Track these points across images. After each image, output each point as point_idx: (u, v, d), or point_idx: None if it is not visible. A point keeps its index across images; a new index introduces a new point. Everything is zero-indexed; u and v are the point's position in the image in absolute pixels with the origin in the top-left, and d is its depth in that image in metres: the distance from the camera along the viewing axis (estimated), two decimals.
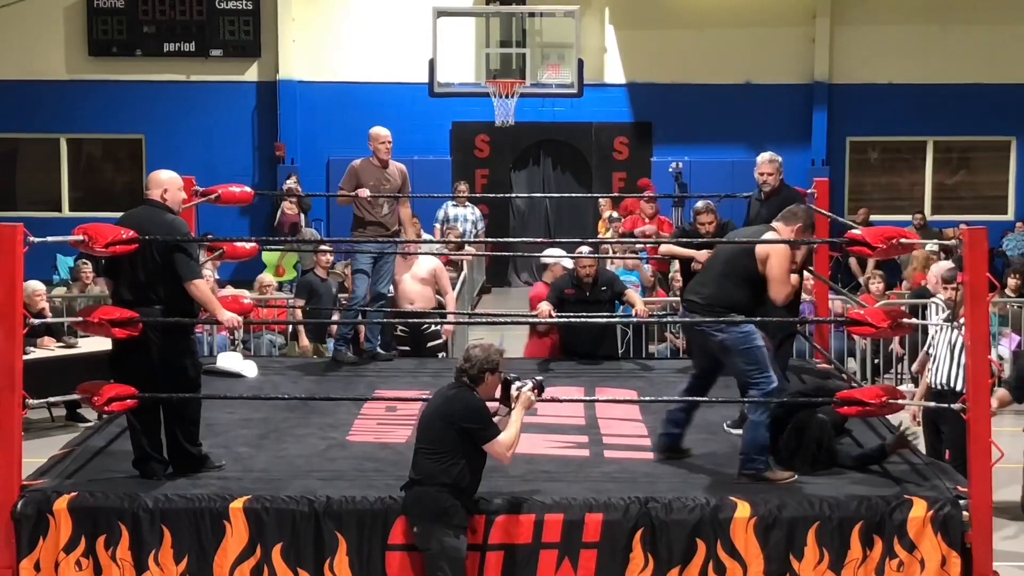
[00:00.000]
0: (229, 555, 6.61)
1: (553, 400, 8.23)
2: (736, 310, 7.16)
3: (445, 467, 6.31)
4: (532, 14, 17.60)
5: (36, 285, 11.65)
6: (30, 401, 6.91)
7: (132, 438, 7.12)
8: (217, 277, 13.28)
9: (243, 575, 6.62)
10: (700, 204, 9.93)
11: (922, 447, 8.40)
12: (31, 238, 6.76)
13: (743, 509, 6.61)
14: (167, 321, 6.96)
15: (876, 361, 12.90)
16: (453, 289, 11.73)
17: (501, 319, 13.60)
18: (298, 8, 20.75)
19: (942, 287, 9.20)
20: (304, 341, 12.19)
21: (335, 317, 12.21)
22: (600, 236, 17.43)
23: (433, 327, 10.89)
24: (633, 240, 14.91)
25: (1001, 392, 8.29)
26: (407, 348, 10.83)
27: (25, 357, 7.00)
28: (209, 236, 14.25)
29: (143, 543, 6.61)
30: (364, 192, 9.91)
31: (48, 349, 11.83)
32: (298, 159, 20.63)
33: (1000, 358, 11.68)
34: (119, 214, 7.25)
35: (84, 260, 14.60)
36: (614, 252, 13.90)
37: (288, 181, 19.43)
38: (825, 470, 7.22)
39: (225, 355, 10.03)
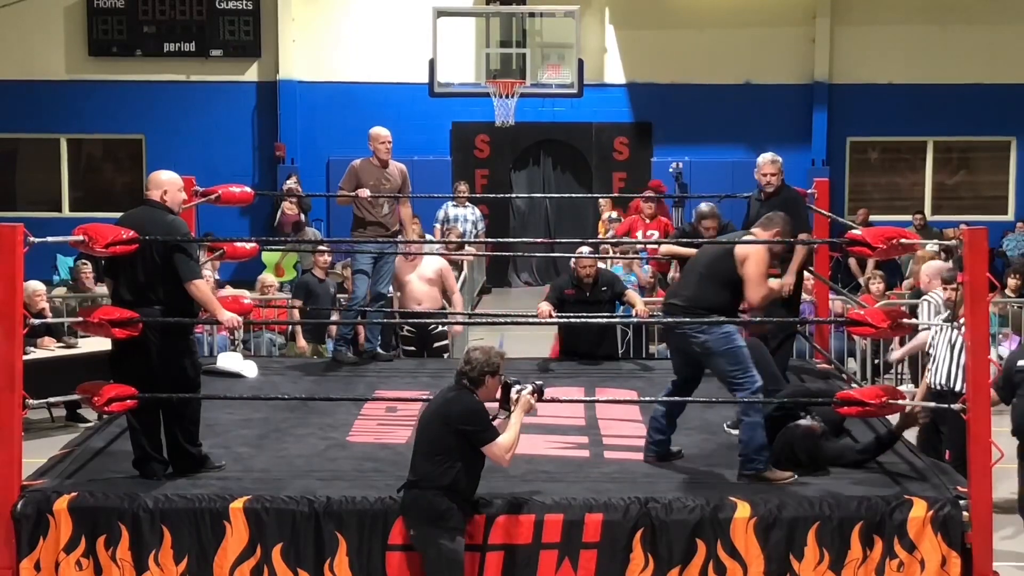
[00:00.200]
0: (229, 555, 6.61)
1: (553, 400, 8.24)
2: (716, 312, 7.19)
3: (442, 469, 6.30)
4: (532, 14, 17.60)
5: (36, 285, 11.64)
6: (30, 401, 6.91)
7: (132, 438, 7.12)
8: (217, 277, 13.28)
9: (243, 575, 6.62)
10: (705, 208, 9.93)
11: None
12: (31, 238, 6.76)
13: (743, 509, 6.61)
14: (167, 321, 6.96)
15: (876, 361, 12.89)
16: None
17: (501, 319, 13.61)
18: (298, 8, 20.75)
19: (942, 287, 9.20)
20: (301, 342, 12.18)
21: (334, 317, 12.22)
22: (600, 236, 17.43)
23: (440, 327, 10.88)
24: (634, 241, 14.91)
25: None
26: (413, 348, 10.82)
27: (25, 357, 7.00)
28: (209, 236, 14.28)
29: (143, 543, 6.61)
30: (364, 192, 9.91)
31: (48, 349, 11.83)
32: (298, 159, 20.62)
33: (1000, 358, 11.68)
34: (119, 214, 7.26)
35: (84, 260, 14.59)
36: (613, 252, 13.91)
37: (288, 181, 19.43)
38: (823, 472, 7.23)
39: (225, 355, 10.03)
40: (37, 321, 7.97)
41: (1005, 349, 12.34)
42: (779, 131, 20.02)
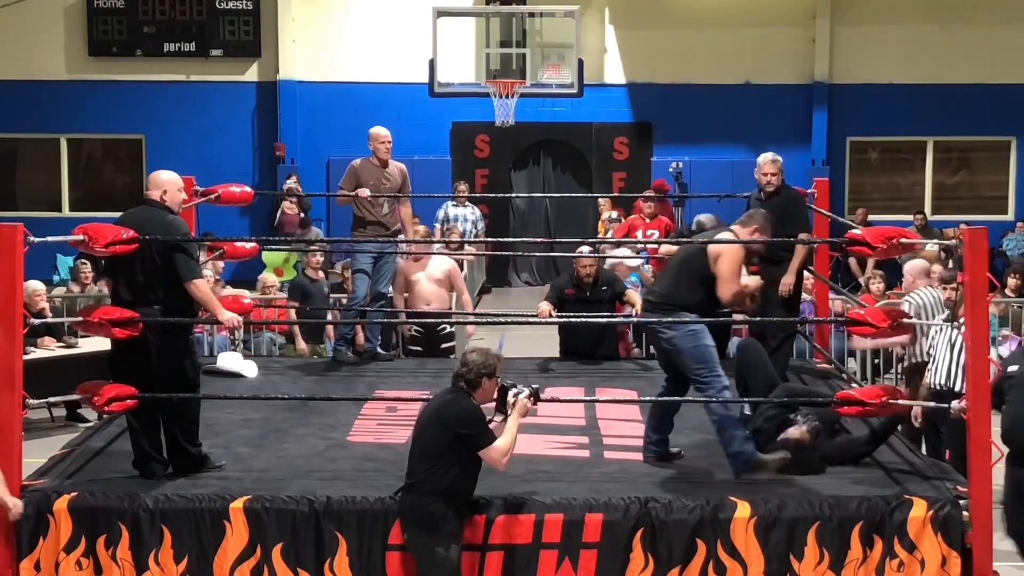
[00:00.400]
0: (229, 555, 6.61)
1: (553, 400, 8.25)
2: (688, 308, 7.23)
3: (438, 473, 6.27)
4: (532, 14, 17.61)
5: (36, 285, 11.65)
6: (30, 401, 6.92)
7: (132, 438, 7.12)
8: (218, 278, 13.27)
9: (243, 575, 6.62)
10: (705, 219, 9.95)
11: (922, 447, 8.41)
12: (31, 238, 6.76)
13: (743, 509, 6.60)
14: (167, 321, 6.96)
15: (876, 361, 12.89)
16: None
17: (501, 319, 13.60)
18: (298, 8, 20.76)
19: (941, 287, 9.20)
20: (301, 344, 12.17)
21: (328, 316, 12.23)
22: (600, 236, 17.42)
23: (448, 328, 10.89)
24: (633, 241, 14.90)
25: None
26: (419, 348, 10.80)
27: (25, 357, 7.00)
28: (209, 236, 14.27)
29: (143, 543, 6.61)
30: (364, 192, 9.91)
31: (48, 349, 11.83)
32: (298, 159, 20.63)
33: (1000, 358, 11.67)
34: (119, 214, 7.25)
35: (84, 260, 14.60)
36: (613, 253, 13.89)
37: (288, 181, 19.44)
38: (823, 472, 7.24)
39: (225, 355, 10.03)
40: (37, 321, 7.97)
41: (1005, 350, 12.34)
42: (779, 131, 20.02)
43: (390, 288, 10.54)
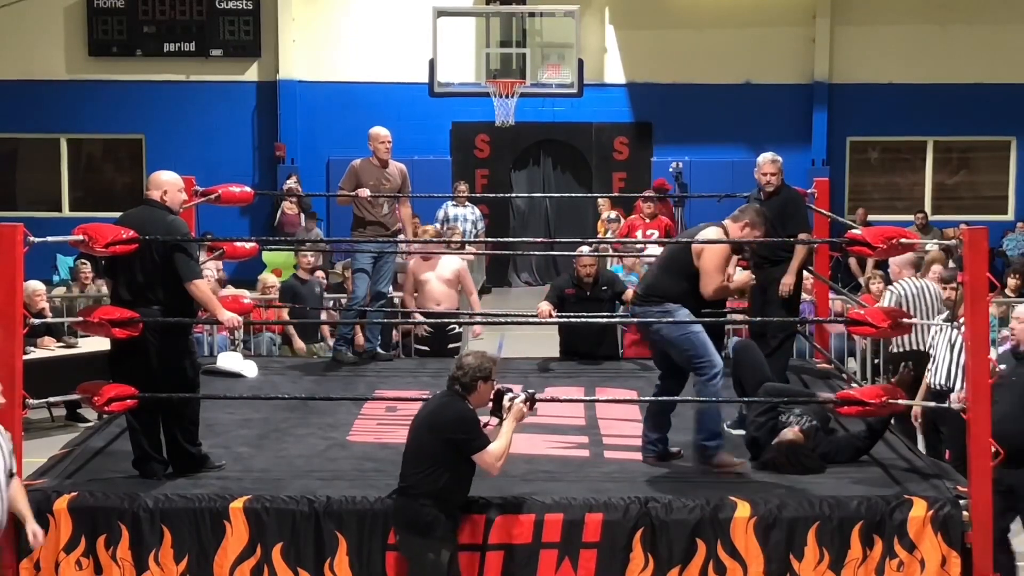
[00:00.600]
0: (229, 555, 6.61)
1: (553, 400, 8.25)
2: (670, 300, 7.27)
3: (431, 477, 6.24)
4: (532, 14, 17.61)
5: (36, 285, 11.64)
6: (30, 401, 6.92)
7: (132, 438, 7.12)
8: (218, 277, 13.26)
9: (243, 575, 6.62)
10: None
11: (922, 446, 8.41)
12: (31, 238, 6.76)
13: (743, 509, 6.60)
14: (167, 321, 6.96)
15: (876, 361, 12.88)
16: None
17: (501, 319, 13.60)
18: (298, 8, 20.76)
19: (940, 284, 9.21)
20: (298, 343, 12.16)
21: (323, 316, 12.22)
22: (599, 236, 17.42)
23: (457, 328, 10.90)
24: (633, 241, 14.91)
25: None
26: (427, 348, 10.80)
27: (25, 357, 7.00)
28: (209, 236, 14.27)
29: (143, 543, 6.61)
30: (364, 192, 9.91)
31: (48, 349, 11.83)
32: (298, 159, 20.63)
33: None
34: (119, 214, 7.25)
35: (83, 260, 14.60)
36: (613, 252, 13.90)
37: (288, 181, 19.44)
38: (823, 472, 7.24)
39: (225, 355, 10.03)
40: (37, 321, 7.97)
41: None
42: (779, 131, 20.02)
43: (390, 288, 10.54)
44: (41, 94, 20.62)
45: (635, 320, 7.62)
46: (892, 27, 20.70)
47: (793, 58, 20.85)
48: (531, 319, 10.15)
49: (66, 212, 20.91)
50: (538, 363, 10.11)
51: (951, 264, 11.11)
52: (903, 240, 6.99)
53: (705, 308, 7.41)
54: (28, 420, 8.47)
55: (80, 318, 7.20)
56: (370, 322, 10.32)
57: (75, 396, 7.26)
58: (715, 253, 7.21)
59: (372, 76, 20.68)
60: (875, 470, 7.27)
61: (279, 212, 19.05)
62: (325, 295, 12.93)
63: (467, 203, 17.84)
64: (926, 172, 21.37)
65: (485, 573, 6.56)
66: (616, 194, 19.58)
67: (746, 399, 7.78)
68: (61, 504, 6.63)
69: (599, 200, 18.55)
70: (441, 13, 17.41)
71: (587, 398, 8.79)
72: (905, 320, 7.36)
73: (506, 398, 6.45)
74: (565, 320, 10.02)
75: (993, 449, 6.56)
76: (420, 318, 10.76)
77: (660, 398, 7.61)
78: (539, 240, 20.31)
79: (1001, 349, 12.30)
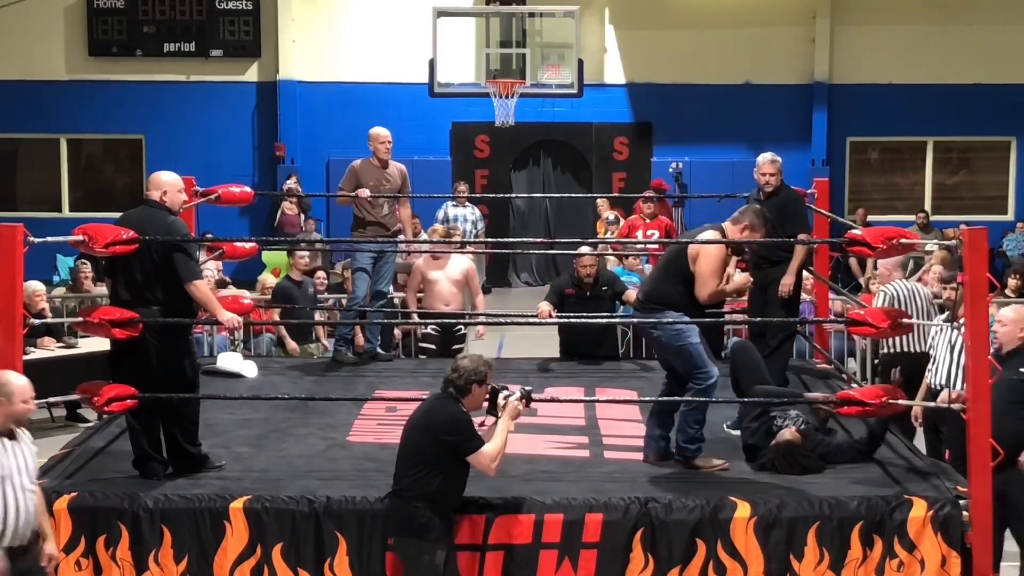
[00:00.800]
0: (229, 555, 6.61)
1: (553, 400, 8.25)
2: (669, 306, 7.28)
3: (424, 479, 6.23)
4: (532, 14, 17.60)
5: (36, 285, 11.63)
6: None
7: (132, 438, 7.13)
8: (218, 277, 13.26)
9: (243, 575, 6.62)
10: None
11: (922, 446, 8.41)
12: (31, 238, 6.76)
13: (743, 509, 6.61)
14: (167, 321, 6.97)
15: (876, 361, 12.88)
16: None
17: (502, 319, 13.60)
18: (298, 8, 20.76)
19: (942, 283, 9.20)
20: (291, 344, 12.15)
21: (316, 316, 12.21)
22: (599, 236, 17.43)
23: (463, 329, 10.93)
24: (634, 241, 14.91)
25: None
26: (433, 347, 10.79)
27: (25, 357, 7.00)
28: (209, 236, 14.27)
29: (143, 543, 6.62)
30: (364, 192, 9.91)
31: (48, 349, 11.82)
32: (298, 159, 20.63)
33: None
34: (119, 214, 7.26)
35: (83, 260, 14.59)
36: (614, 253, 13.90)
37: (288, 181, 19.44)
38: (823, 472, 7.24)
39: (225, 355, 10.03)
40: (37, 321, 7.97)
41: None
42: (779, 131, 20.02)
43: (391, 288, 10.55)
44: (41, 94, 20.62)
45: (635, 320, 7.62)
46: (892, 27, 20.69)
47: (793, 58, 20.85)
48: (531, 319, 10.16)
49: (66, 212, 20.91)
50: (538, 363, 10.11)
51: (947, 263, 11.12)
52: (903, 240, 6.99)
53: (707, 309, 7.42)
54: (28, 420, 8.45)
55: (80, 318, 7.20)
56: (370, 322, 10.32)
57: (75, 396, 7.25)
58: (711, 257, 7.19)
59: (372, 76, 20.68)
60: (875, 470, 7.27)
61: (279, 212, 19.05)
62: (325, 295, 12.94)
63: (467, 203, 17.84)
64: (926, 172, 21.36)
65: (485, 573, 6.56)
66: (616, 194, 19.57)
67: (740, 399, 7.78)
68: (61, 504, 6.63)
69: (598, 201, 18.55)
70: (441, 13, 17.41)
71: (587, 398, 8.79)
72: (905, 320, 7.37)
73: (501, 396, 6.43)
74: (565, 320, 10.02)
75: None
76: (417, 319, 10.77)
77: (659, 398, 7.64)
78: (539, 240, 20.31)
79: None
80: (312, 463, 7.41)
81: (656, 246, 13.93)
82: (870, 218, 19.52)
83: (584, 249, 10.56)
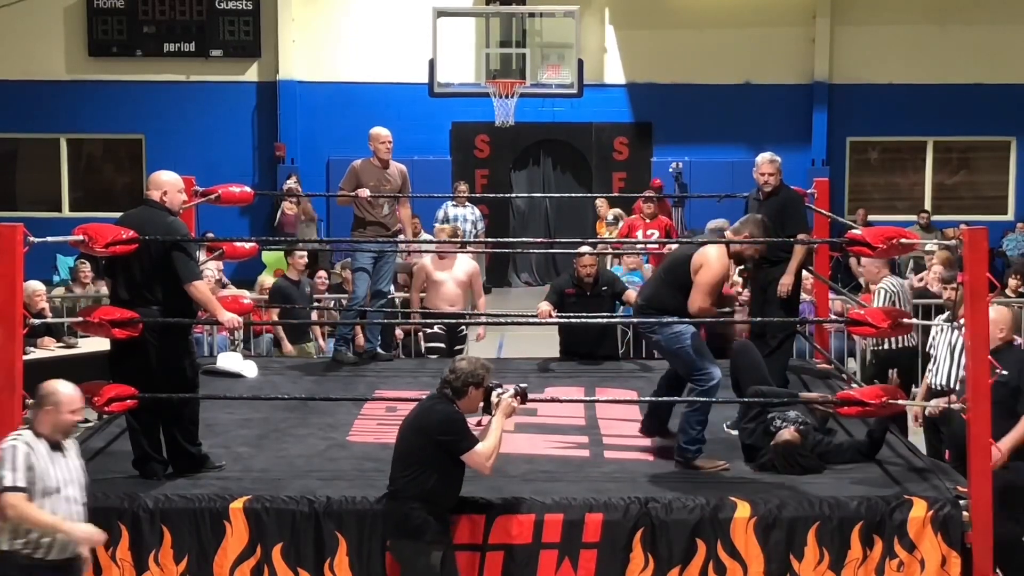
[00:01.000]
0: (229, 555, 6.61)
1: (553, 400, 8.25)
2: (667, 311, 7.33)
3: (418, 479, 6.22)
4: (532, 14, 17.61)
5: (36, 285, 11.62)
6: (30, 401, 6.90)
7: (132, 438, 7.13)
8: (218, 278, 13.25)
9: (243, 575, 6.62)
10: (716, 225, 9.95)
11: (922, 446, 8.41)
12: (31, 238, 6.75)
13: (743, 509, 6.61)
14: (167, 321, 6.97)
15: (870, 359, 12.87)
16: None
17: (502, 319, 13.60)
18: (298, 8, 20.76)
19: (943, 281, 9.20)
20: (287, 347, 12.15)
21: (313, 316, 12.21)
22: (599, 236, 17.42)
23: (465, 329, 10.96)
24: (634, 241, 14.91)
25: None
26: (442, 345, 10.80)
27: (25, 357, 6.99)
28: (209, 236, 14.26)
29: (143, 543, 6.61)
30: (364, 192, 9.91)
31: (48, 349, 11.82)
32: (298, 159, 20.63)
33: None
34: (119, 214, 7.26)
35: (83, 260, 14.59)
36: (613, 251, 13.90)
37: (288, 181, 19.43)
38: (823, 472, 7.25)
39: (225, 355, 10.03)
40: (37, 321, 7.97)
41: None
42: (779, 131, 20.03)
43: (391, 288, 10.55)
44: (41, 94, 20.62)
45: (635, 320, 7.63)
46: (892, 27, 20.70)
47: (793, 58, 20.86)
48: (531, 319, 10.16)
49: (66, 212, 20.91)
50: (538, 363, 10.11)
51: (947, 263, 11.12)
52: (903, 240, 6.99)
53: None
54: (28, 420, 8.45)
55: (80, 318, 7.20)
56: (370, 322, 10.32)
57: None
58: (712, 272, 7.20)
59: (372, 76, 20.68)
60: (875, 470, 7.27)
61: (279, 212, 19.05)
62: (326, 295, 12.94)
63: (467, 203, 17.83)
64: (926, 172, 21.37)
65: (485, 573, 6.56)
66: (616, 194, 19.57)
67: (740, 400, 7.78)
68: None
69: (598, 201, 18.55)
70: (441, 13, 17.41)
71: (587, 398, 8.79)
72: (905, 320, 7.37)
73: (494, 394, 6.43)
74: (565, 320, 10.02)
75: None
76: (418, 319, 10.77)
77: (658, 398, 7.66)
78: (539, 240, 20.31)
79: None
80: (312, 463, 7.41)
81: (656, 246, 13.95)
82: (870, 218, 19.52)
83: (584, 249, 10.55)
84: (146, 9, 20.41)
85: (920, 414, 8.92)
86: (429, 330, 10.96)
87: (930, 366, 8.69)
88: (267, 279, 14.10)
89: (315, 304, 12.29)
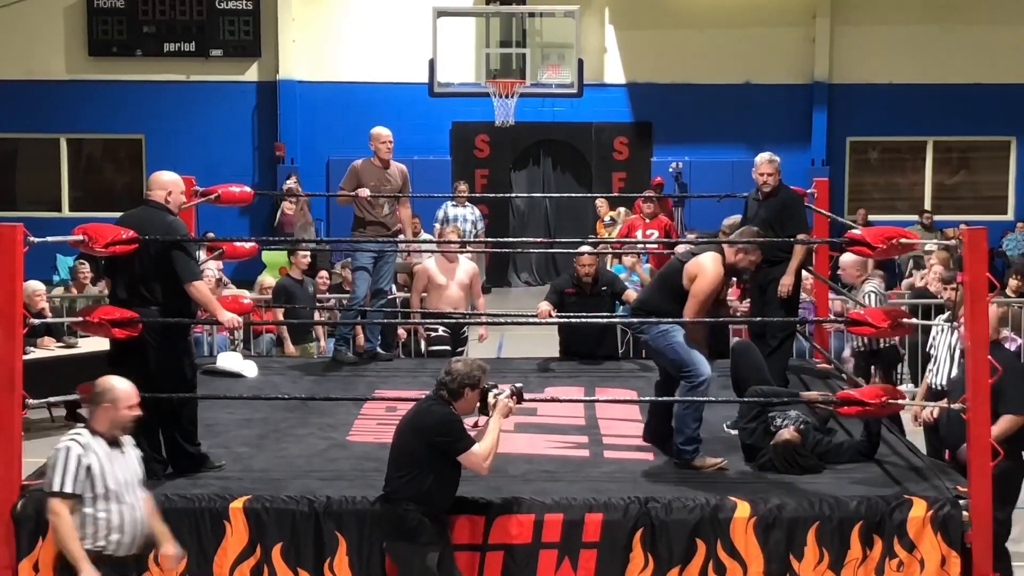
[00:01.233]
0: (229, 555, 6.61)
1: (553, 400, 8.25)
2: (658, 314, 7.39)
3: (414, 481, 6.21)
4: (532, 14, 17.62)
5: (36, 285, 11.63)
6: (30, 401, 6.91)
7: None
8: (219, 277, 13.25)
9: (243, 575, 6.62)
10: (729, 224, 9.98)
11: (921, 446, 8.41)
12: (31, 238, 6.76)
13: (743, 509, 6.61)
14: (167, 321, 6.97)
15: (851, 356, 12.86)
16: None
17: (502, 319, 13.60)
18: (298, 8, 20.77)
19: (941, 286, 9.20)
20: (289, 347, 12.15)
21: (316, 316, 12.21)
22: (599, 236, 17.42)
23: (465, 331, 10.98)
24: (634, 241, 14.90)
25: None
26: (448, 348, 10.80)
27: (25, 357, 7.00)
28: (209, 236, 14.26)
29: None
30: (364, 192, 9.91)
31: (48, 349, 11.82)
32: (298, 159, 20.63)
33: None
34: (119, 214, 7.27)
35: (83, 260, 14.59)
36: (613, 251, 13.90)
37: (288, 181, 19.44)
38: (823, 472, 7.25)
39: (225, 355, 10.03)
40: (37, 321, 7.97)
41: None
42: (779, 131, 20.04)
43: (391, 287, 10.54)
44: (41, 94, 20.63)
45: (634, 320, 7.63)
46: (892, 27, 20.70)
47: (793, 58, 20.86)
48: (531, 319, 10.15)
49: (66, 212, 20.92)
50: (538, 363, 10.10)
51: (951, 264, 11.12)
52: (903, 240, 6.99)
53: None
54: (28, 420, 8.45)
55: (80, 318, 7.20)
56: (371, 322, 10.32)
57: (75, 396, 7.25)
58: (707, 281, 7.26)
59: (372, 76, 20.69)
60: (875, 470, 7.28)
61: (279, 212, 19.05)
62: (326, 295, 12.94)
63: (467, 203, 17.83)
64: (926, 172, 21.37)
65: (485, 573, 6.56)
66: (616, 194, 19.58)
67: (738, 400, 7.78)
68: None
69: (598, 201, 18.55)
70: (441, 13, 17.42)
71: (587, 398, 8.79)
72: (905, 320, 7.37)
73: (491, 394, 6.42)
74: (565, 320, 10.02)
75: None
76: (419, 318, 10.79)
77: (658, 398, 7.66)
78: (539, 240, 20.32)
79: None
80: (312, 463, 7.41)
81: (656, 246, 13.95)
82: (870, 218, 19.52)
83: (584, 249, 10.55)
84: (146, 9, 20.42)
85: (920, 414, 8.91)
86: (433, 333, 10.95)
87: (930, 366, 8.68)
88: (267, 279, 14.10)
89: (318, 304, 12.29)
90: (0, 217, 17.74)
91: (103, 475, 5.69)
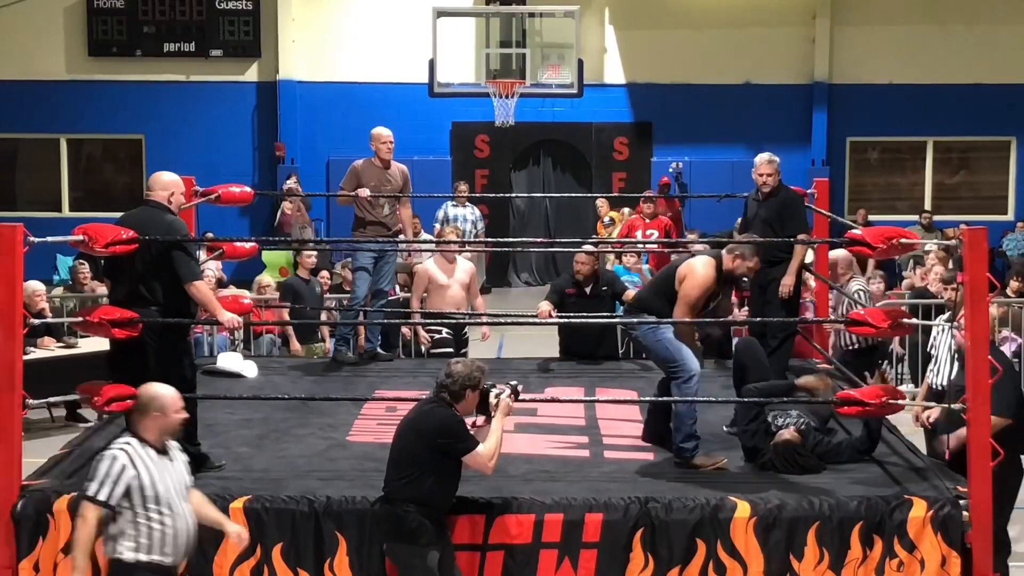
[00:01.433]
0: (229, 555, 6.61)
1: (553, 400, 8.25)
2: (650, 313, 7.45)
3: (414, 482, 6.21)
4: (532, 14, 17.63)
5: (36, 285, 11.63)
6: (30, 401, 6.91)
7: None
8: (219, 277, 13.26)
9: (243, 575, 6.62)
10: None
11: (921, 446, 8.41)
12: (31, 238, 6.76)
13: (743, 509, 6.61)
14: (167, 321, 6.97)
15: (841, 356, 12.85)
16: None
17: (502, 319, 13.60)
18: (298, 8, 20.77)
19: (941, 286, 9.20)
20: (295, 345, 12.16)
21: (323, 316, 12.22)
22: (599, 236, 17.42)
23: (466, 331, 10.98)
24: (635, 241, 14.91)
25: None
26: (451, 350, 10.79)
27: (25, 357, 7.00)
28: (209, 236, 14.26)
29: None
30: (364, 192, 9.90)
31: (48, 349, 11.82)
32: (298, 159, 20.63)
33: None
34: (119, 214, 7.27)
35: (82, 260, 14.59)
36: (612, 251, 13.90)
37: (288, 181, 19.44)
38: (823, 472, 7.25)
39: (225, 355, 10.03)
40: (37, 321, 7.97)
41: (1007, 350, 12.32)
42: (779, 131, 20.04)
43: (392, 287, 10.54)
44: (41, 94, 20.63)
45: (634, 320, 7.63)
46: (892, 27, 20.70)
47: (793, 58, 20.86)
48: (531, 319, 10.15)
49: (66, 212, 20.92)
50: (538, 363, 10.10)
51: (951, 264, 11.12)
52: (903, 240, 6.99)
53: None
54: (28, 420, 8.47)
55: (80, 318, 7.20)
56: (371, 322, 10.32)
57: (75, 396, 7.25)
58: (695, 284, 7.31)
59: (372, 76, 20.69)
60: (875, 470, 7.28)
61: (279, 212, 19.05)
62: (328, 295, 12.94)
63: (467, 203, 17.84)
64: (926, 172, 21.37)
65: (485, 573, 6.56)
66: (616, 194, 19.58)
67: (737, 400, 7.78)
68: (61, 504, 6.62)
69: (598, 202, 18.55)
70: (441, 13, 17.42)
71: (587, 398, 8.79)
72: (905, 320, 7.37)
73: (492, 394, 6.43)
74: (565, 320, 10.02)
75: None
76: (419, 319, 10.78)
77: (658, 398, 7.66)
78: (539, 240, 20.32)
79: (1003, 347, 12.33)
80: (312, 463, 7.41)
81: (656, 246, 13.95)
82: (870, 218, 19.52)
83: (585, 248, 10.55)
84: (146, 9, 20.41)
85: (919, 414, 8.90)
86: (437, 335, 10.94)
87: (931, 366, 8.68)
88: (265, 279, 14.09)
89: (325, 305, 12.28)
90: (0, 217, 17.74)
91: (153, 484, 5.65)
